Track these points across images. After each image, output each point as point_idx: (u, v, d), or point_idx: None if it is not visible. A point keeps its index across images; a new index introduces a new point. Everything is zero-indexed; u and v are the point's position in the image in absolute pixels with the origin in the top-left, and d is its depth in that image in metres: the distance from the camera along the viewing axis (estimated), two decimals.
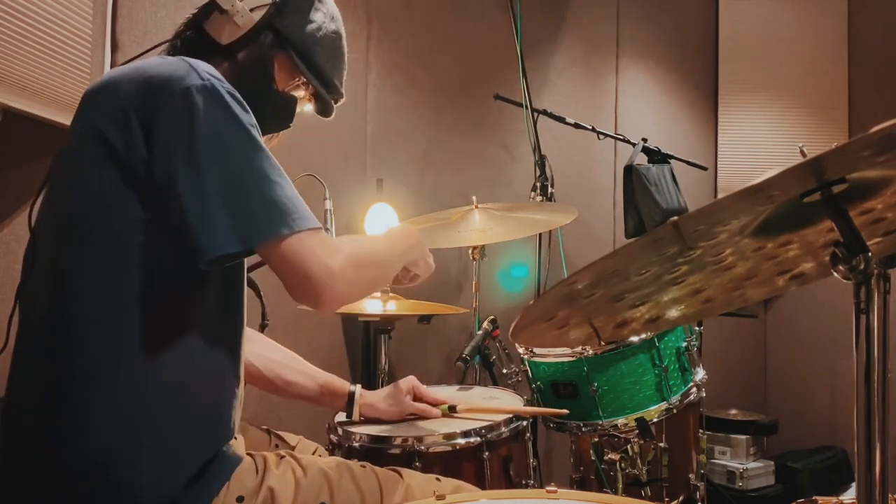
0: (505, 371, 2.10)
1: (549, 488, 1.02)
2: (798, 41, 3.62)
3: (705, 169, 2.98)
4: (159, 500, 1.01)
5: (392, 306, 1.89)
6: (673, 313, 1.02)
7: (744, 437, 3.14)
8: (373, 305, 1.87)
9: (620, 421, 1.68)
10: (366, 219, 2.54)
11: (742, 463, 3.11)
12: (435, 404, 1.58)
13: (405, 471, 1.25)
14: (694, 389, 1.76)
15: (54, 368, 1.02)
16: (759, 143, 3.62)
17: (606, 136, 2.73)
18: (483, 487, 1.39)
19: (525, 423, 1.54)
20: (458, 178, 3.02)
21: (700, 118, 3.66)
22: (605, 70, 3.46)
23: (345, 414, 1.56)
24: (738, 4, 3.65)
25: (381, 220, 2.54)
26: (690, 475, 1.81)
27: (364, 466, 1.21)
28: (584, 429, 1.72)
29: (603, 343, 1.62)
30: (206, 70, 1.05)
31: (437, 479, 1.25)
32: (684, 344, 1.77)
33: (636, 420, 1.66)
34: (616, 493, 1.67)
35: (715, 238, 0.77)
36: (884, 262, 0.75)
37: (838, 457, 3.21)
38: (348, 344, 2.74)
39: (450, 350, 2.89)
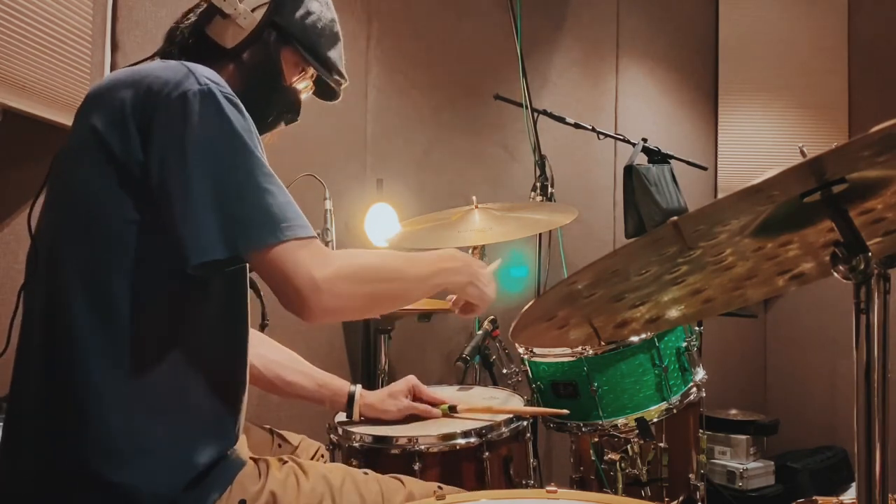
0: (505, 371, 2.10)
1: (549, 488, 1.02)
2: (798, 41, 3.62)
3: (705, 169, 2.98)
4: (160, 501, 1.01)
5: None
6: (673, 313, 1.02)
7: (744, 437, 3.14)
8: None
9: (620, 421, 1.68)
10: (366, 219, 2.54)
11: (742, 463, 3.11)
12: (435, 404, 1.58)
13: (407, 478, 1.25)
14: (694, 389, 1.76)
15: (55, 370, 1.02)
16: (759, 143, 3.62)
17: (606, 136, 2.73)
18: (483, 487, 1.39)
19: (525, 423, 1.54)
20: (458, 178, 3.02)
21: (700, 118, 3.66)
22: (605, 70, 3.46)
23: (345, 414, 1.56)
24: (738, 4, 3.65)
25: (381, 220, 2.54)
26: (690, 475, 1.81)
27: (367, 474, 1.21)
28: (584, 429, 1.72)
29: (603, 343, 1.62)
30: (204, 75, 1.04)
31: (439, 486, 1.25)
32: (684, 344, 1.77)
33: (636, 420, 1.66)
34: (616, 493, 1.67)
35: (715, 238, 0.77)
36: (884, 262, 0.75)
37: (838, 457, 3.21)
38: (348, 344, 2.74)
39: (450, 350, 2.89)
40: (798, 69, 3.61)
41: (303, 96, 1.32)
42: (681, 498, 1.80)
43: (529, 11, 3.01)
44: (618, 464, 1.67)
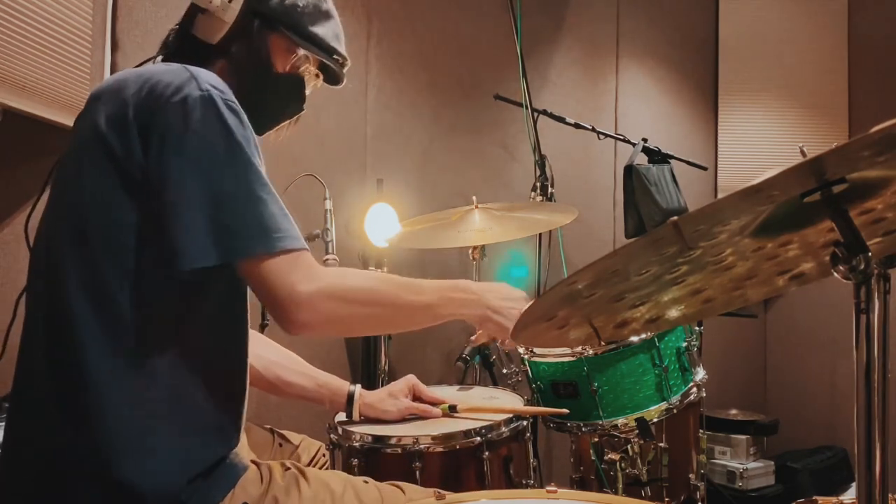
0: (505, 371, 2.10)
1: (549, 488, 1.02)
2: (798, 41, 3.62)
3: (705, 169, 2.98)
4: (162, 500, 1.01)
5: None
6: (673, 313, 1.02)
7: (744, 437, 3.14)
8: None
9: (620, 421, 1.68)
10: (366, 219, 2.54)
11: (742, 463, 3.11)
12: (435, 404, 1.58)
13: (407, 485, 1.25)
14: (694, 389, 1.76)
15: (56, 370, 1.02)
16: (759, 143, 3.62)
17: (606, 136, 2.73)
18: (483, 487, 1.39)
19: (525, 423, 1.54)
20: (458, 178, 3.02)
21: (700, 118, 3.66)
22: (605, 70, 3.46)
23: (345, 414, 1.56)
24: (738, 4, 3.65)
25: (381, 220, 2.54)
26: (690, 475, 1.81)
27: (367, 482, 1.21)
28: (584, 429, 1.72)
29: (603, 343, 1.62)
30: (206, 80, 1.04)
31: (439, 493, 1.25)
32: (684, 344, 1.77)
33: (636, 420, 1.66)
34: (616, 493, 1.67)
35: (715, 238, 0.77)
36: (884, 262, 0.75)
37: (838, 457, 3.21)
38: (348, 344, 2.74)
39: (450, 350, 2.89)
40: (798, 69, 3.61)
41: (309, 86, 1.29)
42: (681, 498, 1.80)
43: (529, 11, 3.00)
44: (618, 464, 1.67)
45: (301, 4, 1.23)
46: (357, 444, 1.44)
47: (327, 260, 1.78)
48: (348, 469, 1.40)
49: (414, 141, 2.97)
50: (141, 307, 1.02)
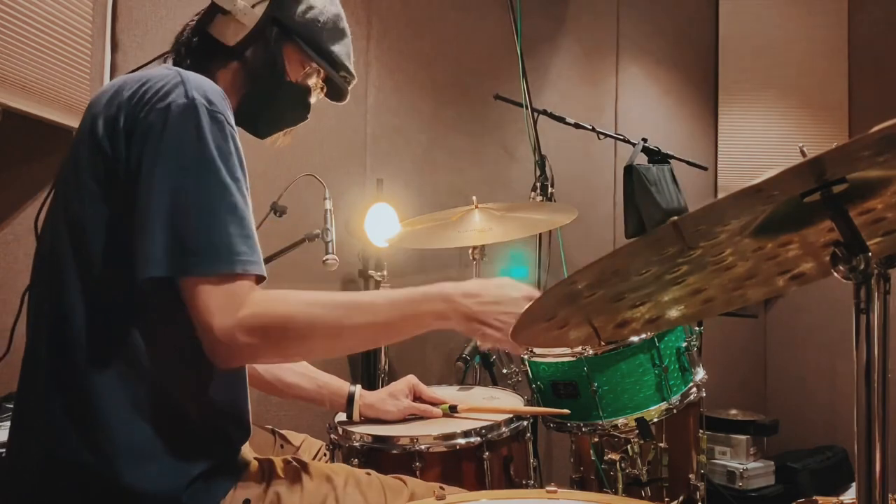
0: (505, 371, 2.10)
1: (549, 488, 1.02)
2: (798, 41, 3.62)
3: (705, 169, 2.98)
4: (164, 501, 1.01)
5: None
6: (673, 313, 1.02)
7: (744, 437, 3.14)
8: None
9: (620, 421, 1.68)
10: (366, 219, 2.54)
11: (742, 463, 3.11)
12: (435, 404, 1.58)
13: (409, 478, 1.25)
14: (694, 389, 1.76)
15: (59, 370, 1.02)
16: (759, 143, 3.62)
17: (606, 136, 2.73)
18: (483, 487, 1.40)
19: (525, 423, 1.54)
20: (458, 178, 3.02)
21: (700, 118, 3.66)
22: (605, 70, 3.46)
23: (345, 414, 1.56)
24: (738, 4, 3.65)
25: (381, 219, 2.54)
26: (690, 475, 1.81)
27: (369, 474, 1.21)
28: (584, 429, 1.72)
29: (603, 343, 1.62)
30: (196, 87, 1.03)
31: (441, 487, 1.25)
32: (684, 344, 1.77)
33: (636, 420, 1.66)
34: (616, 493, 1.67)
35: (715, 238, 0.77)
36: (884, 262, 0.75)
37: (838, 457, 3.21)
38: None
39: (450, 350, 2.89)
40: (798, 69, 3.61)
41: (314, 96, 1.30)
42: (681, 498, 1.80)
43: (529, 11, 3.00)
44: (618, 464, 1.67)
45: (322, 21, 1.25)
46: (357, 444, 1.44)
47: (327, 260, 1.77)
48: None
49: (414, 141, 2.96)
50: (139, 310, 1.02)
